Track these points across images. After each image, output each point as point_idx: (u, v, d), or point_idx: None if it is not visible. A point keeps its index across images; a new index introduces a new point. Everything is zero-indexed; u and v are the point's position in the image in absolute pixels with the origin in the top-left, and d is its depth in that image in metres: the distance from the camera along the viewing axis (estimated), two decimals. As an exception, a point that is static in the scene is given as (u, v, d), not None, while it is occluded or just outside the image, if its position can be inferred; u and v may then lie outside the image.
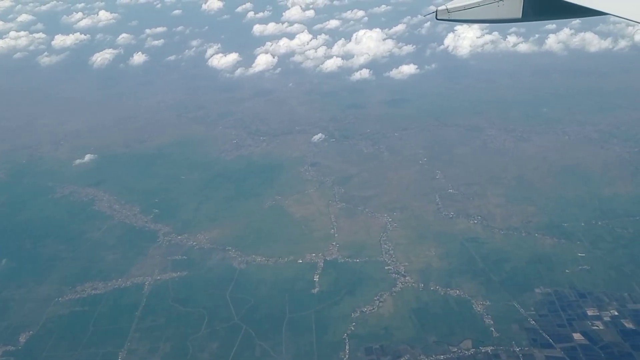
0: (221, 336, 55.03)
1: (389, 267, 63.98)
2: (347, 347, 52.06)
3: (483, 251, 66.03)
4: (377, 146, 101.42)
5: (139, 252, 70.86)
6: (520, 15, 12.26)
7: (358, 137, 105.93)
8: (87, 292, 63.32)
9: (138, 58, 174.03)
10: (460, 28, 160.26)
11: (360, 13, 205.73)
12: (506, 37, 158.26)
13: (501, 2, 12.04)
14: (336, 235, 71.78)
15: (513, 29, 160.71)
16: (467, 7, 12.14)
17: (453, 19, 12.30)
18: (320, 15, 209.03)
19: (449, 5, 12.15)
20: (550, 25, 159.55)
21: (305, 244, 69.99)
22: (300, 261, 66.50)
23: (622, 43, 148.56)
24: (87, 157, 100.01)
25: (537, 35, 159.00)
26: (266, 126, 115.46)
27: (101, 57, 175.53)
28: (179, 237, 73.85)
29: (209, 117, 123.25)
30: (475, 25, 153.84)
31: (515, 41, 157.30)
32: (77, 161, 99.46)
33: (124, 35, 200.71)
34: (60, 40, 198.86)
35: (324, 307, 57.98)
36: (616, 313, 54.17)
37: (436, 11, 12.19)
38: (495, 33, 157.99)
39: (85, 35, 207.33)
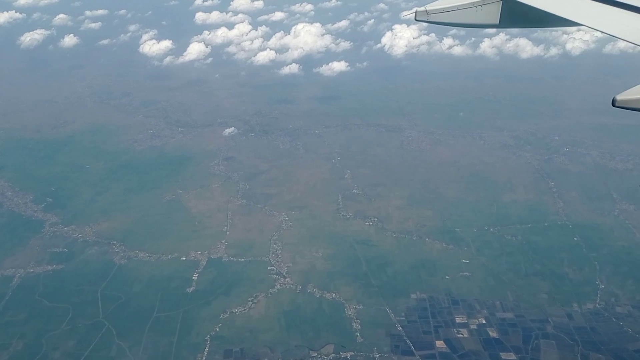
0: (80, 334, 52.76)
1: (272, 267, 62.70)
2: (206, 349, 50.58)
3: (370, 254, 65.45)
4: (294, 143, 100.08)
5: (19, 242, 67.74)
6: (497, 22, 12.22)
7: (278, 133, 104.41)
8: (-51, 283, 60.15)
9: (69, 40, 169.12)
10: (398, 27, 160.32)
11: (309, 7, 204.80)
12: (442, 39, 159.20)
13: (480, 7, 12.05)
14: (228, 233, 70.18)
15: (453, 31, 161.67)
16: (446, 9, 12.09)
17: (432, 20, 12.19)
18: (268, 7, 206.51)
19: (429, 7, 12.05)
20: (490, 29, 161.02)
21: (194, 241, 68.12)
22: (184, 258, 64.60)
23: (554, 50, 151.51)
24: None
25: (473, 39, 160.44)
26: (188, 117, 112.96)
27: (30, 38, 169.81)
28: (66, 228, 70.95)
29: (131, 105, 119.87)
30: (414, 25, 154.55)
31: (451, 43, 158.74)
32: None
33: (61, 15, 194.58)
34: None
35: (195, 306, 56.30)
36: (484, 321, 54.21)
37: (415, 12, 12.10)
38: (432, 34, 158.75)
39: (21, 14, 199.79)
